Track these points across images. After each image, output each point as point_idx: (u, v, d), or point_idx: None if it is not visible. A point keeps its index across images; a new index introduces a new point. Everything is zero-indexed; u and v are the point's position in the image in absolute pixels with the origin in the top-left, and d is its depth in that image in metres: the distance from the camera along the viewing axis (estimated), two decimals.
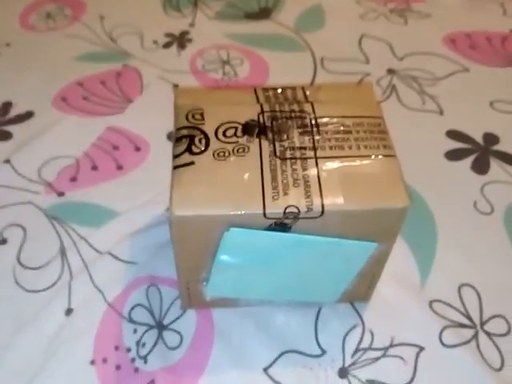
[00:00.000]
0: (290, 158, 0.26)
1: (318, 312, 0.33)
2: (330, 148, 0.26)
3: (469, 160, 0.43)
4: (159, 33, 0.57)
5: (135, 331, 0.32)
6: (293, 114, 0.28)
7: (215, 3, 0.61)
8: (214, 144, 0.26)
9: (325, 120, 0.28)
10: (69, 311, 0.33)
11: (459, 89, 0.50)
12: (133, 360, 0.31)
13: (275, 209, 0.24)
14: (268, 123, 0.27)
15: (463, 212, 0.39)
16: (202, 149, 0.26)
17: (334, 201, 0.24)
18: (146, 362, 0.31)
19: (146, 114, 0.47)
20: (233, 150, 0.26)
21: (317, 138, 0.27)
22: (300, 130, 0.27)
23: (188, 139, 0.27)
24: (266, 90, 0.30)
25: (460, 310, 0.33)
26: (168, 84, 0.50)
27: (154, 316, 0.33)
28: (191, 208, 0.24)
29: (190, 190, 0.25)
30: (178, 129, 0.27)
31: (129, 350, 0.31)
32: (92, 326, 0.32)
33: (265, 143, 0.27)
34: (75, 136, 0.45)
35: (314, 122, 0.28)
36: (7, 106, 0.48)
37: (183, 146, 0.26)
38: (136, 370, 0.31)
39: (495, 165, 0.42)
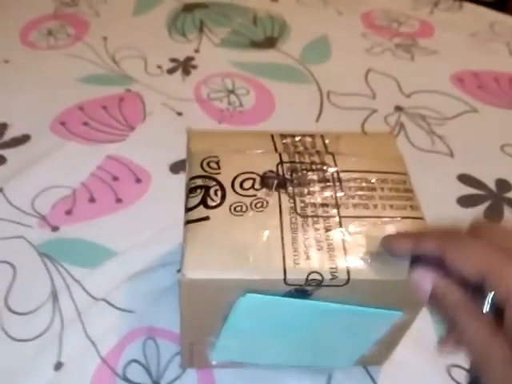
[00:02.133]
0: (312, 216, 0.24)
1: (330, 377, 0.30)
2: (354, 206, 0.25)
3: (482, 207, 0.42)
4: (164, 57, 0.55)
5: None
6: (313, 167, 0.26)
7: (220, 30, 0.60)
8: (231, 196, 0.25)
9: (347, 175, 0.26)
10: (58, 365, 0.30)
11: (469, 130, 0.49)
12: None
13: (297, 275, 0.22)
14: (287, 175, 0.26)
15: None
16: (218, 202, 0.24)
17: (361, 269, 0.23)
18: None
19: (149, 143, 0.45)
20: (250, 204, 0.24)
21: (339, 194, 0.25)
22: (321, 185, 0.25)
23: (203, 190, 0.25)
24: (283, 136, 0.28)
25: None
26: (172, 112, 0.49)
27: (150, 374, 0.30)
28: (205, 271, 0.22)
29: (205, 250, 0.23)
30: (192, 178, 0.25)
31: None
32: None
33: (284, 198, 0.25)
34: (73, 164, 0.43)
35: (335, 176, 0.26)
36: (2, 127, 0.46)
37: (198, 198, 0.24)
38: None
39: (509, 213, 0.41)
